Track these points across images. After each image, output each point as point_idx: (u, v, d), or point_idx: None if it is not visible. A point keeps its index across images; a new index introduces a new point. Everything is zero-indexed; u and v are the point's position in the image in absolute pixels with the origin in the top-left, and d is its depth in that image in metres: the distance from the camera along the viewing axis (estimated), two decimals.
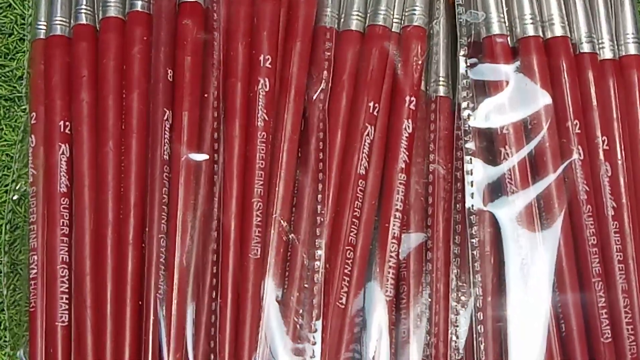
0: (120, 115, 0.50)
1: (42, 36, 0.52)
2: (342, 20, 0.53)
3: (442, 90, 0.53)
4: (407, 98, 0.51)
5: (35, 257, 0.49)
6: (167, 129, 0.49)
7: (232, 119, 0.49)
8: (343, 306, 0.49)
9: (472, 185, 0.49)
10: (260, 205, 0.48)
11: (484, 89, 0.51)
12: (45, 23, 0.52)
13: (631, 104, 0.52)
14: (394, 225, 0.50)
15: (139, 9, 0.51)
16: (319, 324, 0.48)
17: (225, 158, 0.49)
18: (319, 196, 0.49)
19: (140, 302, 0.47)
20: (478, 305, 0.48)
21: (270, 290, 0.48)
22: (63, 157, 0.50)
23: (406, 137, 0.51)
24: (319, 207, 0.49)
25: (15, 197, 0.52)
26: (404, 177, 0.50)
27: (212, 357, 0.47)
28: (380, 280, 0.49)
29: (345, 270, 0.49)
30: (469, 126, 0.50)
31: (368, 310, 0.49)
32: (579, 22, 0.52)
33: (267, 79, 0.50)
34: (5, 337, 0.52)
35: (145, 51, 0.50)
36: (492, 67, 0.51)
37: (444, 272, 0.50)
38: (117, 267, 0.48)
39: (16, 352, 0.50)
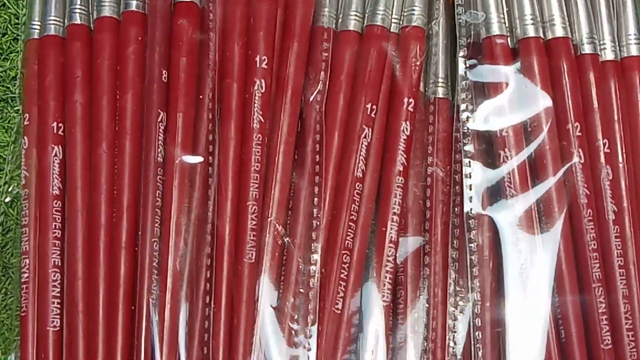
0: (114, 116, 0.49)
1: (35, 36, 0.52)
2: (339, 20, 0.52)
3: (441, 92, 0.52)
4: (406, 99, 0.51)
5: (27, 261, 0.49)
6: (161, 130, 0.48)
7: (228, 120, 0.49)
8: (339, 311, 0.48)
9: (470, 189, 0.49)
10: (255, 209, 0.48)
11: (484, 90, 0.51)
12: (39, 23, 0.52)
13: (633, 106, 0.52)
14: (391, 229, 0.50)
15: (133, 8, 0.50)
16: (314, 330, 0.48)
17: (220, 160, 0.49)
18: (315, 199, 0.49)
19: (132, 307, 0.47)
20: (476, 311, 0.48)
21: (265, 295, 0.48)
22: (56, 159, 0.50)
23: (404, 139, 0.51)
24: (315, 210, 0.49)
25: (7, 200, 0.52)
26: (401, 180, 0.50)
27: None
28: (377, 285, 0.49)
29: (342, 275, 0.49)
30: (467, 128, 0.50)
31: (365, 315, 0.49)
32: (580, 22, 0.52)
33: (263, 80, 0.50)
34: None
35: (139, 51, 0.50)
36: (492, 68, 0.51)
37: (441, 277, 0.50)
38: (110, 271, 0.47)
39: (7, 357, 0.50)
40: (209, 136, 0.49)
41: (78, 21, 0.51)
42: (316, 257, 0.48)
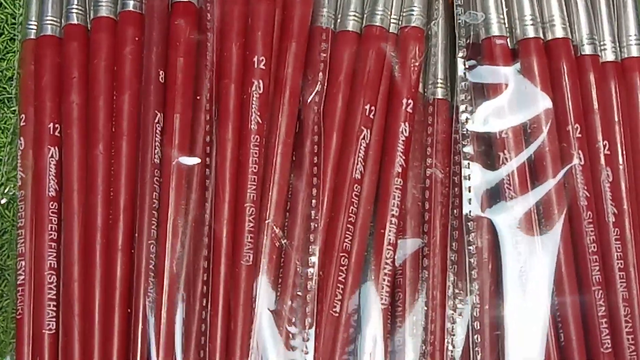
0: (111, 117, 0.49)
1: (32, 36, 0.52)
2: (338, 20, 0.52)
3: (440, 93, 0.52)
4: (404, 100, 0.51)
5: (23, 263, 0.49)
6: (158, 131, 0.48)
7: (225, 121, 0.49)
8: (337, 314, 0.48)
9: (469, 191, 0.49)
10: (253, 211, 0.48)
11: (483, 91, 0.50)
12: (36, 23, 0.52)
13: (633, 108, 0.52)
14: (389, 231, 0.49)
15: (130, 8, 0.50)
16: (312, 333, 0.47)
17: (217, 162, 0.48)
18: (314, 201, 0.49)
19: (129, 310, 0.47)
20: (475, 314, 0.48)
21: (263, 298, 0.47)
22: (52, 160, 0.49)
23: (403, 140, 0.50)
24: (313, 212, 0.49)
25: (3, 201, 0.52)
26: (400, 182, 0.50)
27: None
28: (375, 287, 0.49)
29: (340, 278, 0.49)
30: (467, 130, 0.50)
31: (363, 318, 0.49)
32: (581, 23, 0.52)
33: (261, 81, 0.49)
34: None
35: (136, 52, 0.49)
36: (491, 69, 0.50)
37: (440, 280, 0.49)
38: (106, 273, 0.47)
39: None
40: (206, 137, 0.49)
41: (75, 21, 0.51)
42: (314, 259, 0.48)
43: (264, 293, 0.47)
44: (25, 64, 0.51)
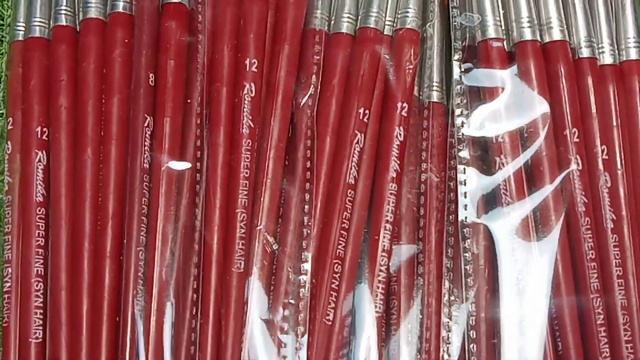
0: (100, 121, 0.49)
1: (20, 38, 0.52)
2: (332, 22, 0.52)
3: (435, 96, 0.52)
4: (399, 104, 0.50)
5: (10, 270, 0.48)
6: (147, 136, 0.48)
7: (216, 125, 0.49)
8: (330, 322, 0.48)
9: (465, 196, 0.49)
10: (244, 217, 0.47)
11: (479, 95, 0.50)
12: (24, 24, 0.52)
13: (632, 111, 0.51)
14: (384, 237, 0.49)
15: (120, 9, 0.50)
16: (304, 341, 0.47)
17: (208, 167, 0.48)
18: (306, 207, 0.49)
19: (117, 318, 0.46)
20: (471, 322, 0.48)
21: (254, 306, 0.47)
22: (40, 164, 0.49)
23: (397, 144, 0.50)
24: (305, 218, 0.49)
25: None
26: (395, 187, 0.49)
27: None
28: (369, 294, 0.48)
29: (333, 285, 0.48)
30: (462, 134, 0.50)
31: (357, 326, 0.48)
32: (578, 25, 0.51)
33: (253, 84, 0.49)
34: None
35: (126, 54, 0.49)
36: (488, 72, 0.50)
37: (436, 287, 0.49)
38: (94, 281, 0.47)
39: None
40: (197, 142, 0.48)
41: (63, 22, 0.51)
42: (307, 266, 0.48)
43: (256, 301, 0.47)
44: (12, 66, 0.51)
